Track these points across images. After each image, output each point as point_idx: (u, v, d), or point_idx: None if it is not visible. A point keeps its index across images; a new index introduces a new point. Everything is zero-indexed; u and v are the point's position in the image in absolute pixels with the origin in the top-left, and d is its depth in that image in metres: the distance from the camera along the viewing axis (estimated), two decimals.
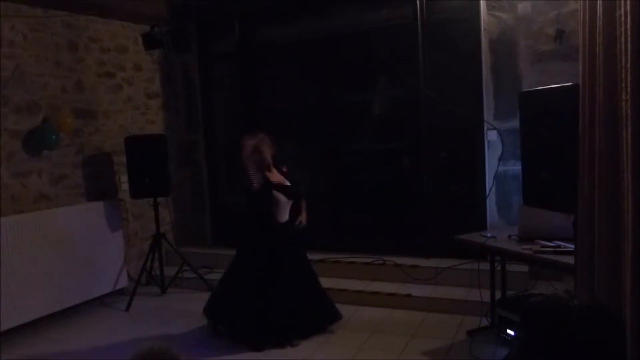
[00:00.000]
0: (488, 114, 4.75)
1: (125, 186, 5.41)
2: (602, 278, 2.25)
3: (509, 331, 3.71)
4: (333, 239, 5.51)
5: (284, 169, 4.31)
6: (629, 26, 1.85)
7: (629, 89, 1.85)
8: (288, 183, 4.23)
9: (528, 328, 1.31)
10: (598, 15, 2.21)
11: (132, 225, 5.66)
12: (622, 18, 1.91)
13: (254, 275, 4.10)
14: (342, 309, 4.66)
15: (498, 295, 4.00)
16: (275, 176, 4.21)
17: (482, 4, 4.68)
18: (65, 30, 4.98)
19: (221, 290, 4.37)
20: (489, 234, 3.88)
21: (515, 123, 4.29)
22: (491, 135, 4.75)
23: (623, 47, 1.87)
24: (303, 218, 4.28)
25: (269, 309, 4.01)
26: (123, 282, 5.34)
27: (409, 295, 4.63)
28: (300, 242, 4.32)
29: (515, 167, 4.51)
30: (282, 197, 4.15)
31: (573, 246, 2.77)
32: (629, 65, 1.83)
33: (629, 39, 1.84)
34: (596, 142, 2.27)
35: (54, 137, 4.71)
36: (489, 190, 4.74)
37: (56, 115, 4.80)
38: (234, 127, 6.15)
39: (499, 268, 4.00)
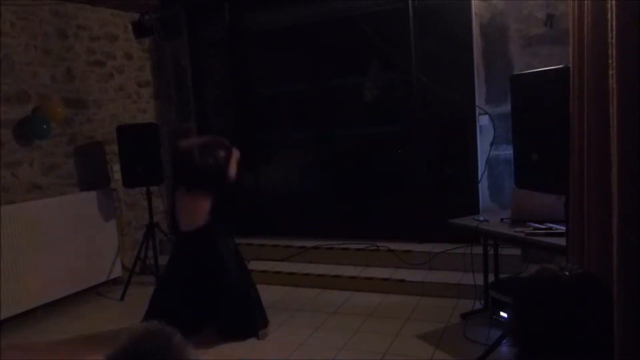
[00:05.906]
0: (480, 99, 4.75)
1: (117, 175, 5.39)
2: (592, 257, 2.27)
3: (502, 313, 3.75)
4: (326, 225, 5.53)
5: None
6: (614, 2, 1.86)
7: (614, 64, 1.87)
8: None
9: (520, 298, 1.34)
10: None
11: (125, 214, 5.65)
12: None
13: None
14: (337, 295, 4.71)
15: (491, 278, 4.05)
16: None
17: None
18: (54, 18, 4.93)
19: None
20: (481, 218, 3.91)
21: (506, 108, 4.31)
22: (483, 120, 4.76)
23: (609, 24, 1.89)
24: None
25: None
26: (117, 272, 5.34)
27: (402, 280, 4.66)
28: None
29: (506, 151, 4.54)
30: None
31: (564, 228, 2.80)
32: (614, 41, 1.84)
33: (614, 15, 1.84)
34: (585, 122, 2.28)
35: (44, 126, 4.68)
36: (481, 175, 4.76)
37: (46, 104, 4.76)
38: (226, 113, 6.13)
39: (491, 251, 4.04)
